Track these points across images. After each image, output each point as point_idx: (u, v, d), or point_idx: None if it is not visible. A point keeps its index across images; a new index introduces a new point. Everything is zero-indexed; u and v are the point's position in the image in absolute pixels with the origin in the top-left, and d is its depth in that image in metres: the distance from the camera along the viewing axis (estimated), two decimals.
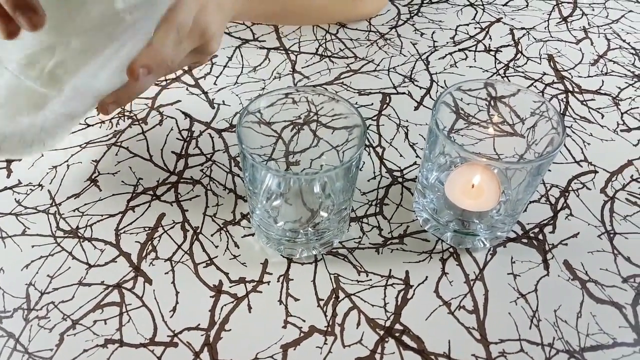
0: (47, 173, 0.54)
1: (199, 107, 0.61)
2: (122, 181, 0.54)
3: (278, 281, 0.46)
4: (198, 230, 0.50)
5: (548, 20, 0.76)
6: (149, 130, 0.59)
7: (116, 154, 0.56)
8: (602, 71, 0.68)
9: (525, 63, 0.69)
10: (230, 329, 0.43)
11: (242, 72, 0.66)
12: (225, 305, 0.45)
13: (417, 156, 0.57)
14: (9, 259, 0.48)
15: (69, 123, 0.48)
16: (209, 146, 0.57)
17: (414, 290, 0.46)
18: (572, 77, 0.67)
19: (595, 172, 0.56)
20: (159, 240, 0.49)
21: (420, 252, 0.49)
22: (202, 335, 0.43)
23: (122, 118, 0.59)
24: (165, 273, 0.47)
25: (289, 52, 0.69)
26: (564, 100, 0.64)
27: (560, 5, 0.80)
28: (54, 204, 0.52)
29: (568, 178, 0.55)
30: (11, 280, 0.46)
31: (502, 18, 0.76)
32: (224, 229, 0.50)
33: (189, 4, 0.43)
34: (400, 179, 0.55)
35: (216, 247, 0.49)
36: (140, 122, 0.59)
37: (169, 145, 0.57)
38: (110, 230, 0.50)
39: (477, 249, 0.49)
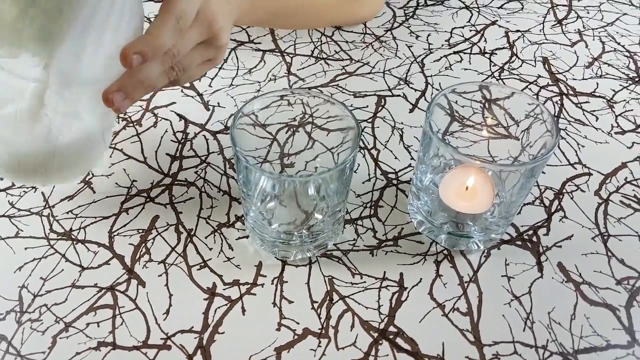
0: None
1: (194, 109, 0.61)
2: (116, 183, 0.54)
3: (272, 283, 0.46)
4: (192, 233, 0.50)
5: (543, 23, 0.76)
6: (143, 132, 0.59)
7: (110, 156, 0.56)
8: (596, 74, 0.68)
9: (520, 66, 0.69)
10: (223, 332, 0.43)
11: (237, 74, 0.66)
12: (218, 307, 0.45)
13: (412, 158, 0.57)
14: (1, 261, 0.47)
15: (86, 128, 0.46)
16: (203, 148, 0.57)
17: (408, 293, 0.46)
18: (566, 79, 0.67)
19: (590, 174, 0.56)
20: (152, 243, 0.49)
21: (415, 254, 0.49)
22: (195, 338, 0.43)
23: (117, 120, 0.59)
24: (159, 275, 0.47)
25: (285, 54, 0.69)
26: (559, 102, 0.64)
27: (555, 8, 0.80)
28: (47, 206, 0.51)
29: (562, 180, 0.55)
30: (4, 283, 0.46)
31: (497, 21, 0.76)
32: (218, 231, 0.50)
33: None
34: (395, 181, 0.55)
35: (210, 249, 0.49)
36: (135, 124, 0.59)
37: (164, 147, 0.57)
38: (104, 233, 0.49)
39: (471, 251, 0.49)
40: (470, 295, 0.46)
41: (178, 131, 0.59)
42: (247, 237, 0.50)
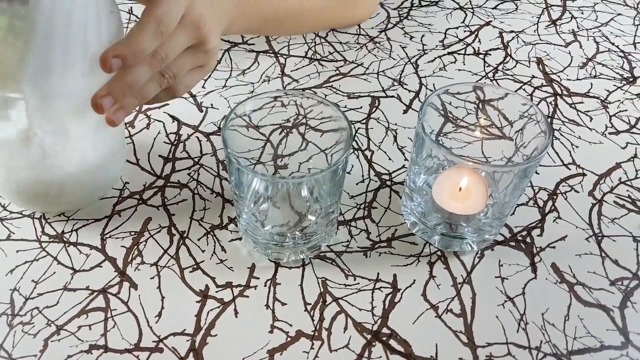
0: None
1: (187, 111, 0.61)
2: None
3: (265, 285, 0.46)
4: (185, 235, 0.49)
5: (537, 24, 0.76)
6: (136, 133, 0.58)
7: None
8: (590, 74, 0.68)
9: (515, 66, 0.69)
10: (216, 334, 0.43)
11: (230, 75, 0.66)
12: (211, 310, 0.44)
13: (406, 159, 0.57)
14: None
15: (78, 145, 0.45)
16: (196, 150, 0.57)
17: (402, 294, 0.46)
18: (561, 80, 0.67)
19: (584, 174, 0.56)
20: (144, 245, 0.49)
21: (408, 255, 0.49)
22: (187, 340, 0.43)
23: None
24: (151, 278, 0.46)
25: (278, 55, 0.69)
26: (553, 103, 0.64)
27: (549, 8, 0.80)
28: None
29: (556, 181, 0.55)
30: None
31: (491, 21, 0.76)
32: (211, 233, 0.50)
33: None
34: (388, 182, 0.55)
35: (203, 251, 0.48)
36: (127, 125, 0.59)
37: (156, 148, 0.57)
38: (96, 235, 0.49)
39: (465, 252, 0.49)
40: (463, 297, 0.46)
41: (171, 133, 0.58)
42: (240, 239, 0.49)
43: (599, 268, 0.48)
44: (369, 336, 0.43)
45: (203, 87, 0.64)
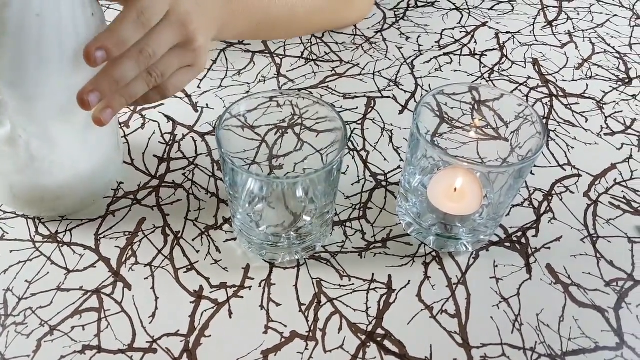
0: None
1: (182, 111, 0.61)
2: None
3: (260, 286, 0.46)
4: (179, 235, 0.49)
5: (533, 25, 0.76)
6: (130, 133, 0.58)
7: None
8: (586, 75, 0.68)
9: (510, 67, 0.69)
10: (210, 335, 0.43)
11: (226, 75, 0.66)
12: (205, 310, 0.44)
13: (401, 160, 0.57)
14: None
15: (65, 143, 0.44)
16: (191, 150, 0.57)
17: (397, 295, 0.46)
18: (556, 80, 0.67)
19: (579, 175, 0.56)
20: (139, 245, 0.48)
21: (403, 256, 0.49)
22: (181, 341, 0.42)
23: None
24: (145, 278, 0.46)
25: (274, 55, 0.69)
26: (549, 104, 0.64)
27: (545, 9, 0.80)
28: None
29: (551, 182, 0.55)
30: None
31: (487, 22, 0.76)
32: (206, 233, 0.50)
33: None
34: (384, 183, 0.54)
35: (197, 252, 0.48)
36: (122, 125, 0.59)
37: (151, 148, 0.57)
38: (90, 235, 0.49)
39: (460, 253, 0.49)
40: (458, 297, 0.46)
41: (166, 133, 0.58)
42: (234, 239, 0.49)
43: (594, 269, 0.48)
44: (363, 337, 0.43)
45: (198, 87, 0.64)
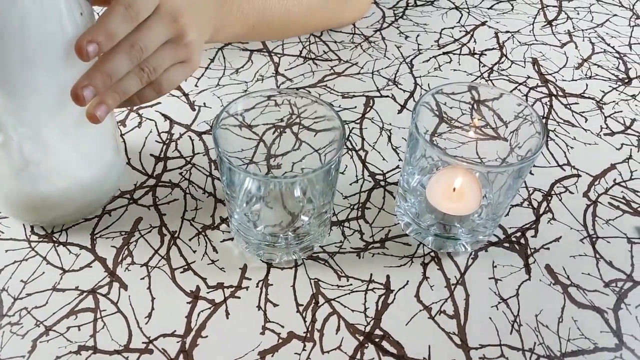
0: None
1: (179, 109, 0.60)
2: None
3: (257, 286, 0.46)
4: (176, 235, 0.49)
5: (533, 24, 0.76)
6: (127, 132, 0.58)
7: None
8: (586, 75, 0.68)
9: (510, 66, 0.68)
10: (207, 336, 0.43)
11: (224, 74, 0.65)
12: (202, 311, 0.44)
13: (400, 159, 0.56)
14: None
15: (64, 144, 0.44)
16: (188, 149, 0.56)
17: (395, 295, 0.46)
18: (556, 80, 0.67)
19: (578, 176, 0.56)
20: (135, 245, 0.48)
21: (402, 256, 0.48)
22: (177, 342, 0.42)
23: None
24: (141, 278, 0.46)
25: (272, 54, 0.69)
26: (548, 103, 0.64)
27: (545, 8, 0.80)
28: None
29: (551, 182, 0.55)
30: None
31: (487, 21, 0.76)
32: (203, 233, 0.49)
33: None
34: (382, 183, 0.54)
35: (194, 251, 0.48)
36: (119, 124, 0.59)
37: (148, 147, 0.56)
38: (86, 235, 0.49)
39: (459, 253, 0.48)
40: (457, 298, 0.45)
41: (163, 132, 0.58)
42: (231, 239, 0.49)
43: (593, 269, 0.48)
44: (361, 337, 0.43)
45: (196, 85, 0.63)
